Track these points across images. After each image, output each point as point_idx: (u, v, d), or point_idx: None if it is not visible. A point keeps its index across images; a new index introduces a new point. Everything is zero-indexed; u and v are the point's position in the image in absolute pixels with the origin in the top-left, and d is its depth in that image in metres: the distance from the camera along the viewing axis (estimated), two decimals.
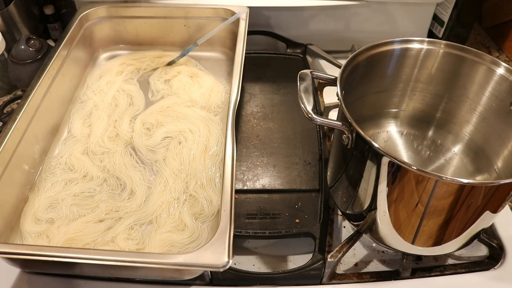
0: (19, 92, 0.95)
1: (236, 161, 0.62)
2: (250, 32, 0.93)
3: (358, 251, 0.68)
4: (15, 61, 0.89)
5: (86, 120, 0.81)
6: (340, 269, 0.66)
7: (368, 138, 0.51)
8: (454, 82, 0.68)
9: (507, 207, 0.72)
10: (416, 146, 0.73)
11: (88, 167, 0.72)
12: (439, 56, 0.67)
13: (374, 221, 0.60)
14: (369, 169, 0.55)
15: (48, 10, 1.05)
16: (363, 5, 0.98)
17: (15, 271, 0.63)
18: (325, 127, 0.81)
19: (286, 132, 0.80)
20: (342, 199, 0.65)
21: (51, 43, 1.06)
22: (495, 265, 0.66)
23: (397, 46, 0.66)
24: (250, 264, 0.67)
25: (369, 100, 0.72)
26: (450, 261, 0.67)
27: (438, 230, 0.56)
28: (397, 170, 0.51)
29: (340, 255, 0.63)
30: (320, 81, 0.80)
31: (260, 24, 1.00)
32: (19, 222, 0.66)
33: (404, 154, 0.72)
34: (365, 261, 0.67)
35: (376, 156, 0.52)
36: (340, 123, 0.55)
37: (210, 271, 0.61)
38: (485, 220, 0.56)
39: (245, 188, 0.71)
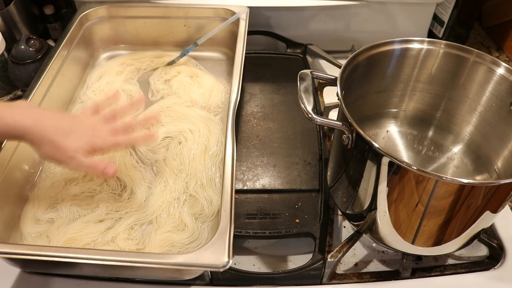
0: (19, 92, 0.95)
1: (236, 161, 0.62)
2: (250, 32, 0.93)
3: (358, 251, 0.68)
4: (15, 61, 0.89)
5: None
6: (340, 269, 0.66)
7: (368, 138, 0.51)
8: (454, 82, 0.68)
9: (507, 207, 0.72)
10: (416, 146, 0.73)
11: None
12: (439, 56, 0.67)
13: (374, 221, 0.60)
14: (369, 169, 0.55)
15: (48, 10, 1.05)
16: (363, 5, 0.98)
17: (15, 271, 0.63)
18: (325, 127, 0.81)
19: (286, 132, 0.80)
20: (342, 199, 0.65)
21: (51, 43, 1.06)
22: (495, 265, 0.66)
23: (397, 46, 0.66)
24: (250, 264, 0.67)
25: (369, 100, 0.72)
26: (450, 261, 0.67)
27: (438, 230, 0.56)
28: (397, 170, 0.51)
29: (340, 255, 0.63)
30: (320, 81, 0.80)
31: (260, 24, 1.00)
32: (19, 222, 0.66)
33: (404, 154, 0.72)
34: (365, 261, 0.67)
35: (376, 156, 0.52)
36: (340, 123, 0.55)
37: (210, 271, 0.61)
38: (485, 220, 0.56)
39: (245, 188, 0.71)
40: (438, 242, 0.58)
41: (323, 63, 1.00)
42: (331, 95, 0.89)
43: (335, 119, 0.59)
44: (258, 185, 0.71)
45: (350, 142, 0.55)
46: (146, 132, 0.73)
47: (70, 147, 0.57)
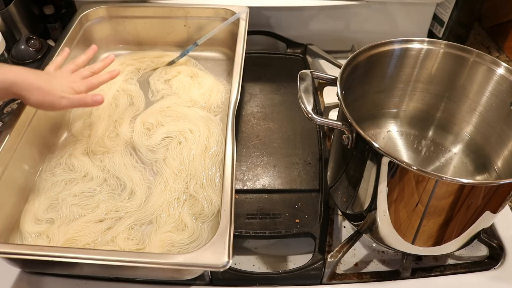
0: None
1: (236, 161, 0.62)
2: (250, 32, 0.93)
3: (358, 251, 0.68)
4: (15, 61, 0.89)
5: (86, 120, 0.81)
6: (340, 269, 0.66)
7: (368, 138, 0.51)
8: (454, 82, 0.68)
9: (507, 207, 0.72)
10: (416, 146, 0.73)
11: (88, 167, 0.72)
12: (439, 56, 0.67)
13: (374, 221, 0.60)
14: (369, 169, 0.55)
15: (48, 10, 1.05)
16: (363, 5, 0.98)
17: (15, 271, 0.63)
18: (325, 127, 0.81)
19: (286, 132, 0.80)
20: (342, 199, 0.65)
21: (51, 43, 1.06)
22: (495, 265, 0.66)
23: (397, 46, 0.66)
24: (250, 264, 0.67)
25: (369, 100, 0.72)
26: (450, 261, 0.67)
27: (438, 230, 0.56)
28: (397, 170, 0.51)
29: (340, 255, 0.63)
30: (320, 81, 0.80)
31: (260, 24, 1.00)
32: (19, 222, 0.66)
33: (404, 154, 0.72)
34: (365, 261, 0.67)
35: (376, 156, 0.52)
36: (340, 123, 0.55)
37: (210, 271, 0.61)
38: (485, 220, 0.56)
39: (245, 188, 0.71)
40: (438, 242, 0.58)
41: (323, 63, 1.00)
42: (331, 95, 0.89)
43: (335, 119, 0.59)
44: (258, 185, 0.71)
45: (350, 142, 0.55)
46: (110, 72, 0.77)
47: (57, 89, 0.64)
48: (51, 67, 0.71)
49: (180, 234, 0.64)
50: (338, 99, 0.57)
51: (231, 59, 0.91)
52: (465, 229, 0.57)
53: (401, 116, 0.75)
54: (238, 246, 0.69)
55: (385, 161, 0.52)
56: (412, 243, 0.59)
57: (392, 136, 0.74)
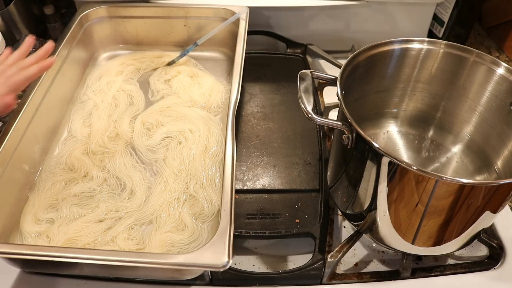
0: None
1: (236, 161, 0.62)
2: (250, 32, 0.93)
3: (358, 251, 0.68)
4: None
5: (86, 120, 0.81)
6: (340, 269, 0.66)
7: (368, 138, 0.51)
8: (454, 82, 0.68)
9: (507, 207, 0.72)
10: (416, 146, 0.73)
11: (88, 167, 0.72)
12: (439, 56, 0.67)
13: (374, 221, 0.60)
14: (369, 169, 0.55)
15: (48, 10, 1.05)
16: (363, 5, 0.98)
17: (15, 271, 0.63)
18: (325, 127, 0.81)
19: (286, 132, 0.80)
20: (342, 199, 0.65)
21: None
22: (495, 265, 0.66)
23: (397, 46, 0.66)
24: (250, 264, 0.67)
25: (369, 100, 0.72)
26: (450, 261, 0.67)
27: (438, 230, 0.56)
28: (397, 170, 0.51)
29: (340, 255, 0.63)
30: (320, 81, 0.80)
31: (260, 24, 1.00)
32: (19, 222, 0.66)
33: (404, 154, 0.72)
34: (365, 261, 0.67)
35: (376, 156, 0.52)
36: (340, 123, 0.55)
37: (210, 271, 0.61)
38: (485, 220, 0.56)
39: (245, 188, 0.71)
40: (438, 242, 0.58)
41: (323, 63, 1.00)
42: (331, 95, 0.89)
43: (335, 119, 0.59)
44: (258, 185, 0.71)
45: (350, 142, 0.55)
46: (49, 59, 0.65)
47: None
48: None
49: (180, 234, 0.64)
50: (338, 99, 0.57)
51: (231, 59, 0.91)
52: (465, 229, 0.57)
53: (401, 116, 0.75)
54: (238, 246, 0.69)
55: (385, 161, 0.52)
56: (412, 243, 0.59)
57: (392, 136, 0.74)
